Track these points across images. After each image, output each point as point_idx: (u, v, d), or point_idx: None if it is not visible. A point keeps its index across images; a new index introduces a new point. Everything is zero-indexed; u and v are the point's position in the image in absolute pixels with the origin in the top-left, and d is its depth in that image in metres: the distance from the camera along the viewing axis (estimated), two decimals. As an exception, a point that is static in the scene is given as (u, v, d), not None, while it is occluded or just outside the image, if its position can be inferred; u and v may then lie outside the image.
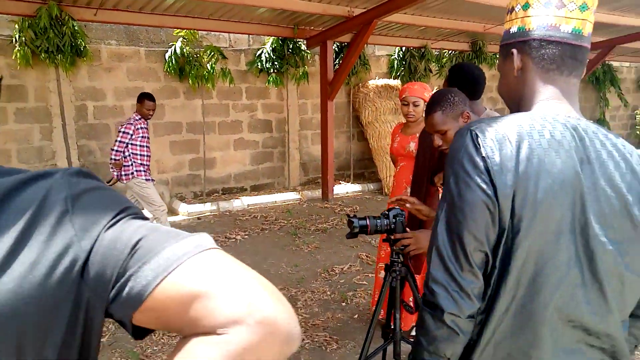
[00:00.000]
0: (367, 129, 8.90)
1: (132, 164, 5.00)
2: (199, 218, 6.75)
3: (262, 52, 7.97)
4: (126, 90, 7.08)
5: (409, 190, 3.19)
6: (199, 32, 7.34)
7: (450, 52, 10.08)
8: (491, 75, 10.91)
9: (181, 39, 7.19)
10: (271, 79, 7.99)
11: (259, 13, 6.91)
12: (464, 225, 0.97)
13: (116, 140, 4.94)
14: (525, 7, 1.06)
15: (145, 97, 5.14)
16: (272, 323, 0.51)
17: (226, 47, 7.77)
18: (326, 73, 7.67)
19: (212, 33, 7.57)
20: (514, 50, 1.10)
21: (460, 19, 7.99)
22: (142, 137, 5.05)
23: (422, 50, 9.32)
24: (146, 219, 0.62)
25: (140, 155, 5.05)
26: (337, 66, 8.02)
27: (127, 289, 0.55)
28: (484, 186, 0.96)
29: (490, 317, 1.01)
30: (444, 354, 1.03)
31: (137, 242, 0.56)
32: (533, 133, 0.98)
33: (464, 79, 2.70)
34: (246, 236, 5.92)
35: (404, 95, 3.20)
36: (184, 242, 0.56)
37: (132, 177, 5.03)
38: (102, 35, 6.87)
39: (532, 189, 0.95)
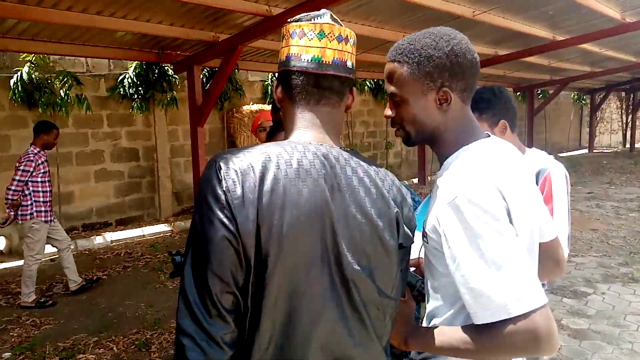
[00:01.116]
0: (242, 155, 8.78)
1: (31, 204, 4.52)
2: (52, 260, 6.09)
3: (125, 77, 7.55)
4: (-39, 120, 6.26)
5: None
6: (51, 56, 6.76)
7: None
8: (361, 100, 11.47)
9: (29, 63, 6.56)
10: (135, 105, 7.58)
11: (118, 36, 6.53)
12: (208, 266, 0.88)
13: (14, 179, 4.43)
14: (282, 38, 1.08)
15: (51, 126, 4.69)
16: None
17: (83, 72, 7.24)
18: (195, 98, 7.44)
19: (67, 57, 7.01)
20: (275, 82, 1.11)
21: (327, 46, 8.26)
22: (44, 172, 4.59)
23: (295, 75, 9.48)
24: None
25: (43, 192, 4.58)
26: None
27: None
28: (226, 222, 0.88)
29: None
30: None
31: None
32: (280, 163, 0.93)
33: None
34: (105, 276, 5.44)
35: (260, 122, 3.17)
36: None
37: (30, 218, 4.53)
38: None
39: (277, 222, 0.89)
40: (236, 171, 0.90)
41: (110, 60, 7.52)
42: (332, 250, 0.94)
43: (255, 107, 8.97)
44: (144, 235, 7.15)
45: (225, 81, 7.17)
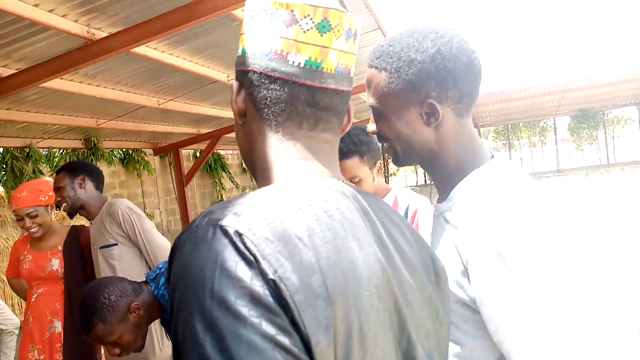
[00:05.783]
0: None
1: None
2: None
3: None
4: None
5: (57, 324, 2.48)
6: None
7: (61, 150, 9.14)
8: (111, 172, 10.45)
9: None
10: None
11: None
12: None
13: None
14: (250, 16, 0.70)
15: None
16: None
17: None
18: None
19: None
20: (235, 84, 0.72)
21: (69, 114, 7.33)
22: None
23: (27, 150, 8.06)
24: None
25: None
26: None
27: None
28: (284, 340, 0.49)
29: None
30: None
31: None
32: (320, 215, 0.58)
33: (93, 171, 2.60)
34: None
35: (13, 209, 2.62)
36: None
37: None
38: None
39: (354, 315, 0.55)
40: (270, 239, 0.53)
41: None
42: (400, 343, 0.63)
43: None
44: None
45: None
